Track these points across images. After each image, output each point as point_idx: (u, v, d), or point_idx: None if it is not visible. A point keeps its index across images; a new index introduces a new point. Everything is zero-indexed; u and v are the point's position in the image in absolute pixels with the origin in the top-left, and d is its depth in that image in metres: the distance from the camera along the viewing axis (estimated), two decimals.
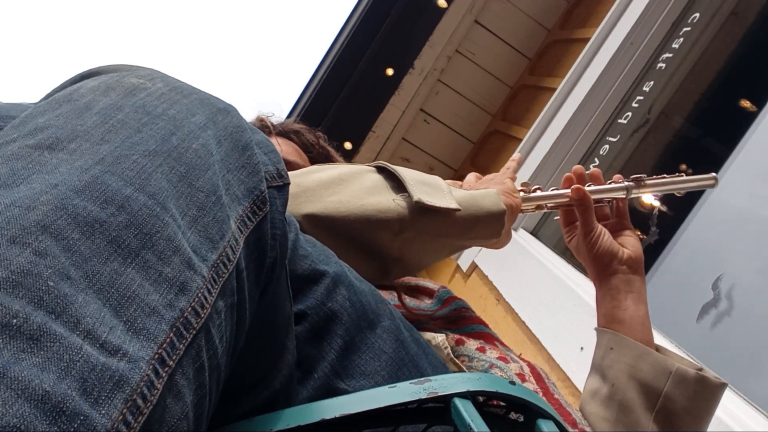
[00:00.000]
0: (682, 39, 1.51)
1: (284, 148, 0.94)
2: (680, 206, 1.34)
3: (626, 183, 0.74)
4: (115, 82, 0.34)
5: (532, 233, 1.61)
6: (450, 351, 0.58)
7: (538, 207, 0.74)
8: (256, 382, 0.38)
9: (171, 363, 0.25)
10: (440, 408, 0.37)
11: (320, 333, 0.45)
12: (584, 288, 1.20)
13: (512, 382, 0.40)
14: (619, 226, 0.73)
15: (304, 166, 0.79)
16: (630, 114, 1.58)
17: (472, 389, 0.37)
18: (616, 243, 0.69)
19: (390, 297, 0.74)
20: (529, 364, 0.62)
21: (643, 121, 1.58)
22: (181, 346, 0.26)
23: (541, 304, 1.27)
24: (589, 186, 0.74)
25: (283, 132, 0.97)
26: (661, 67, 1.55)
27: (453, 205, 0.61)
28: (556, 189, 0.74)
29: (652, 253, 1.31)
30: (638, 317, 0.65)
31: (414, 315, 0.69)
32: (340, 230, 0.58)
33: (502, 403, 0.41)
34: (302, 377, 0.44)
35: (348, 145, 2.10)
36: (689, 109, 1.56)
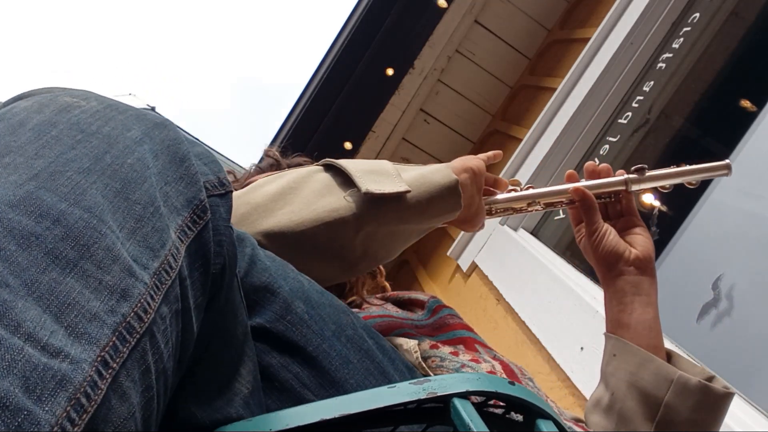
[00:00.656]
0: (682, 39, 1.51)
1: None
2: (680, 206, 1.34)
3: (626, 176, 0.69)
4: (48, 100, 0.34)
5: (532, 233, 1.61)
6: (419, 355, 0.57)
7: (530, 204, 0.71)
8: (223, 387, 0.39)
9: (115, 365, 0.26)
10: (439, 408, 0.37)
11: (281, 345, 0.45)
12: (584, 288, 1.20)
13: (512, 382, 0.40)
14: (628, 224, 0.68)
15: None
16: (630, 114, 1.58)
17: (471, 389, 0.37)
18: (623, 242, 0.65)
19: (381, 309, 0.74)
20: (503, 363, 0.61)
21: (643, 121, 1.58)
22: (124, 349, 0.27)
23: (541, 304, 1.27)
24: (584, 180, 0.70)
25: (291, 166, 0.97)
26: (661, 67, 1.55)
27: (403, 187, 0.60)
28: (550, 186, 0.71)
29: None
30: (645, 321, 0.61)
31: (399, 323, 0.68)
32: (299, 240, 0.57)
33: (501, 403, 0.41)
34: (267, 388, 0.44)
35: (348, 145, 2.10)
36: (689, 109, 1.56)
